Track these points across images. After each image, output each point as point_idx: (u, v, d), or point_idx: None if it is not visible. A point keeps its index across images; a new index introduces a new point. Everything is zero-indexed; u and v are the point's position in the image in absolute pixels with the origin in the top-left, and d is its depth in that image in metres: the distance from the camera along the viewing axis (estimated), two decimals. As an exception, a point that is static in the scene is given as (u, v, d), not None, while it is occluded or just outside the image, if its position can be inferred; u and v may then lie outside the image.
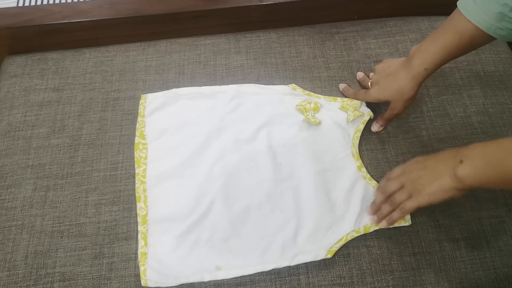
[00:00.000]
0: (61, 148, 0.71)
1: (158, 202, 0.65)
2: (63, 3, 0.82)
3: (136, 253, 0.62)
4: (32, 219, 0.65)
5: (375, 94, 0.68)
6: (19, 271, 0.61)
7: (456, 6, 0.59)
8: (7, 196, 0.67)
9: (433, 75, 0.64)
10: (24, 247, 0.63)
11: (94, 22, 0.80)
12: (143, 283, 0.59)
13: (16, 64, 0.80)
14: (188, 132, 0.71)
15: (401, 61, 0.66)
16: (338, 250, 0.61)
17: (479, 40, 0.59)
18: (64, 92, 0.77)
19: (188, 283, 0.60)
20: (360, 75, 0.77)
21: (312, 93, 0.75)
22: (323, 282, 0.60)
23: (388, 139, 0.71)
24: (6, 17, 0.79)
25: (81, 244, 0.63)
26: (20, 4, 0.83)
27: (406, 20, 0.84)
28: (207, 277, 0.60)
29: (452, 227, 0.64)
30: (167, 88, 0.76)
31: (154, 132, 0.71)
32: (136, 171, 0.68)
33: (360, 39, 0.82)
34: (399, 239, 0.63)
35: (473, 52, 0.64)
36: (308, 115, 0.71)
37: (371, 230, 0.62)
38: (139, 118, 0.73)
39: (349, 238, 0.62)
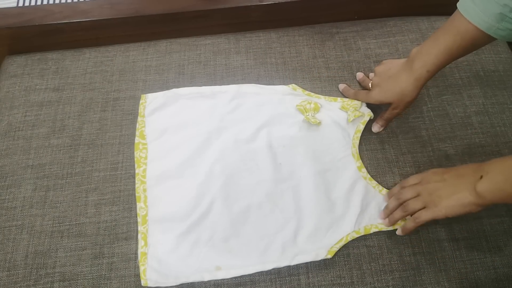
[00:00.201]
0: (61, 148, 0.71)
1: (158, 202, 0.65)
2: (63, 3, 0.82)
3: (136, 253, 0.62)
4: (32, 219, 0.65)
5: (377, 96, 0.68)
6: (19, 271, 0.61)
7: (456, 6, 0.59)
8: (7, 196, 0.67)
9: (433, 76, 0.64)
10: (24, 247, 0.63)
11: (94, 22, 0.80)
12: (143, 283, 0.59)
13: (16, 64, 0.80)
14: (188, 132, 0.71)
15: (402, 63, 0.66)
16: (338, 250, 0.61)
17: (480, 41, 0.59)
18: (64, 92, 0.77)
19: (188, 283, 0.60)
20: (360, 75, 0.77)
21: (312, 93, 0.75)
22: (323, 282, 0.60)
23: (388, 139, 0.71)
24: (6, 17, 0.79)
25: (81, 244, 0.63)
26: (20, 4, 0.83)
27: (406, 20, 0.84)
28: (207, 277, 0.60)
29: (452, 227, 0.64)
30: (167, 88, 0.76)
31: (154, 132, 0.71)
32: (136, 171, 0.68)
33: (360, 39, 0.82)
34: (399, 239, 0.63)
35: (473, 52, 0.64)
36: (308, 115, 0.71)
37: (372, 231, 0.63)
38: (139, 118, 0.73)
39: (349, 239, 0.62)
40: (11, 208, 0.66)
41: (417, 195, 0.59)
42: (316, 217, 0.63)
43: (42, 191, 0.67)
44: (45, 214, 0.65)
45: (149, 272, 0.60)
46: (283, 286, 0.60)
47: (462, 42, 0.59)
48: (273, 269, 0.60)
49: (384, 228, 0.63)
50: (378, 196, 0.65)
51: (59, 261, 0.62)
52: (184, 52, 0.81)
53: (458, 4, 0.59)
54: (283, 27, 0.84)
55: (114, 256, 0.62)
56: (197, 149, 0.69)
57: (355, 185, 0.66)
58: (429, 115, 0.73)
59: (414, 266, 0.61)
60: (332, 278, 0.61)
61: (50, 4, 0.83)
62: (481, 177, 0.52)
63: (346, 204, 0.64)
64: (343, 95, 0.75)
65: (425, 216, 0.57)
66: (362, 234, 0.62)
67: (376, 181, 0.67)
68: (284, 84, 0.77)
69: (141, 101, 0.74)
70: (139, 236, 0.63)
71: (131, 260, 0.62)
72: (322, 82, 0.77)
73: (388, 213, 0.62)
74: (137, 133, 0.71)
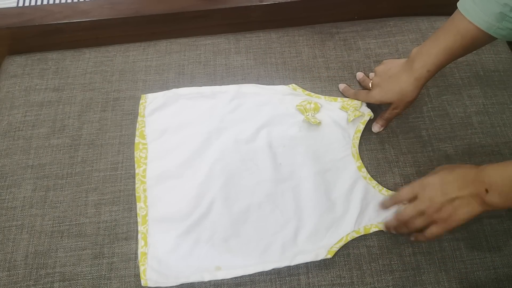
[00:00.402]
0: (61, 148, 0.71)
1: (158, 202, 0.65)
2: (63, 3, 0.82)
3: (136, 253, 0.62)
4: (32, 219, 0.65)
5: (377, 96, 0.68)
6: (19, 271, 0.61)
7: (456, 6, 0.59)
8: (7, 196, 0.67)
9: (433, 75, 0.64)
10: (24, 247, 0.63)
11: (94, 22, 0.80)
12: (143, 283, 0.59)
13: (16, 64, 0.80)
14: (188, 132, 0.71)
15: (402, 63, 0.66)
16: (338, 250, 0.61)
17: (480, 40, 0.59)
18: (64, 92, 0.77)
19: (188, 283, 0.60)
20: (360, 75, 0.77)
21: (312, 93, 0.75)
22: (323, 282, 0.60)
23: (388, 139, 0.71)
24: (6, 17, 0.79)
25: (81, 244, 0.63)
26: (20, 4, 0.83)
27: (406, 20, 0.84)
28: (207, 277, 0.60)
29: (452, 227, 0.64)
30: (167, 88, 0.76)
31: (154, 132, 0.71)
32: (136, 171, 0.68)
33: (360, 39, 0.82)
34: (399, 239, 0.63)
35: (473, 52, 0.64)
36: (308, 115, 0.71)
37: (371, 231, 0.63)
38: (139, 118, 0.73)
39: (349, 239, 0.62)
40: (11, 208, 0.66)
41: (420, 214, 0.57)
42: (316, 217, 0.63)
43: (42, 191, 0.67)
44: (45, 214, 0.65)
45: (149, 272, 0.60)
46: (283, 286, 0.60)
47: (462, 41, 0.59)
48: (273, 269, 0.60)
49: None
50: (378, 196, 0.65)
51: (59, 261, 0.62)
52: (184, 52, 0.81)
53: (458, 4, 0.59)
54: (283, 27, 0.84)
55: (114, 256, 0.62)
56: (197, 149, 0.69)
57: (355, 185, 0.66)
58: (429, 115, 0.73)
59: (414, 266, 0.61)
60: (332, 278, 0.61)
61: (50, 4, 0.83)
62: (487, 190, 0.51)
63: (346, 204, 0.64)
64: (343, 95, 0.75)
65: (436, 231, 0.56)
66: (362, 233, 0.62)
67: (376, 181, 0.67)
68: (284, 84, 0.77)
69: (141, 101, 0.74)
70: (139, 236, 0.63)
71: (131, 260, 0.62)
72: (322, 82, 0.77)
73: (388, 229, 0.62)
74: (137, 133, 0.71)
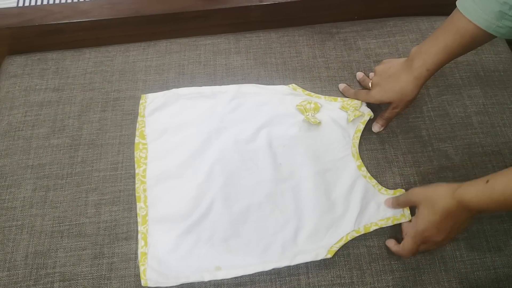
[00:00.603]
0: (61, 148, 0.71)
1: (158, 202, 0.65)
2: (63, 3, 0.82)
3: (136, 253, 0.62)
4: (32, 219, 0.65)
5: (377, 95, 0.68)
6: (19, 271, 0.61)
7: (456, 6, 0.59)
8: (7, 196, 0.67)
9: (433, 75, 0.64)
10: (24, 247, 0.63)
11: (94, 22, 0.80)
12: (143, 283, 0.59)
13: (16, 64, 0.80)
14: (188, 132, 0.71)
15: (402, 62, 0.66)
16: (338, 250, 0.61)
17: (479, 39, 0.59)
18: (64, 92, 0.77)
19: (188, 283, 0.60)
20: (359, 75, 0.77)
21: (312, 93, 0.75)
22: (323, 282, 0.60)
23: (388, 139, 0.71)
24: (6, 17, 0.79)
25: (81, 244, 0.63)
26: (20, 4, 0.83)
27: (406, 20, 0.84)
28: (207, 277, 0.60)
29: (452, 227, 0.64)
30: (167, 88, 0.76)
31: (154, 132, 0.71)
32: (136, 171, 0.68)
33: (360, 39, 0.82)
34: (399, 239, 0.63)
35: (473, 52, 0.64)
36: (308, 115, 0.71)
37: (371, 229, 0.62)
38: (139, 118, 0.73)
39: (349, 238, 0.62)
40: (11, 208, 0.66)
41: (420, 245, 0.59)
42: (316, 217, 0.63)
43: (42, 191, 0.67)
44: (45, 214, 0.65)
45: (149, 272, 0.60)
46: (283, 286, 0.60)
47: (462, 40, 0.59)
48: (273, 269, 0.60)
49: (383, 224, 0.62)
50: (377, 195, 0.65)
51: (59, 261, 0.62)
52: (184, 52, 0.81)
53: (457, 3, 0.59)
54: (283, 27, 0.84)
55: (114, 256, 0.62)
56: (197, 149, 0.69)
57: (355, 184, 0.66)
58: (429, 115, 0.73)
59: (414, 266, 0.61)
60: (332, 278, 0.61)
61: (50, 4, 0.83)
62: (470, 212, 0.53)
63: (346, 203, 0.64)
64: (343, 94, 0.75)
65: (436, 248, 0.62)
66: (362, 233, 0.62)
67: (376, 181, 0.67)
68: (284, 84, 0.77)
69: (141, 101, 0.74)
70: (139, 236, 0.63)
71: (131, 260, 0.62)
72: (322, 82, 0.77)
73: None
74: (137, 133, 0.71)
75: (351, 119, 0.70)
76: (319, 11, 0.85)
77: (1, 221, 0.65)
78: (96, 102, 0.76)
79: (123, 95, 0.76)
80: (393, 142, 0.71)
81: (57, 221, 0.65)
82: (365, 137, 0.71)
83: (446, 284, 0.60)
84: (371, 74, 0.75)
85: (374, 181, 0.66)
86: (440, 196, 0.55)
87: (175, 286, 0.59)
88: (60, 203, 0.66)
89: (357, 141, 0.70)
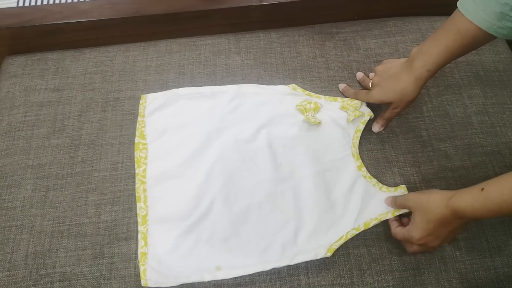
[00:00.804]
0: (61, 148, 0.71)
1: (158, 202, 0.65)
2: (63, 3, 0.82)
3: (136, 253, 0.62)
4: (32, 219, 0.65)
5: (377, 95, 0.68)
6: (19, 271, 0.61)
7: (456, 6, 0.59)
8: (7, 196, 0.67)
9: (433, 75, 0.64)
10: (24, 247, 0.63)
11: (94, 22, 0.80)
12: (143, 283, 0.59)
13: (16, 64, 0.80)
14: (188, 132, 0.71)
15: (402, 62, 0.66)
16: (338, 250, 0.61)
17: (480, 39, 0.59)
18: (64, 92, 0.77)
19: (188, 283, 0.60)
20: (359, 75, 0.77)
21: (312, 93, 0.75)
22: (323, 282, 0.60)
23: (388, 139, 0.71)
24: (6, 17, 0.79)
25: (81, 244, 0.63)
26: (20, 4, 0.83)
27: (406, 20, 0.84)
28: (207, 277, 0.60)
29: (452, 227, 0.64)
30: (167, 88, 0.76)
31: (154, 132, 0.71)
32: (136, 171, 0.68)
33: (360, 39, 0.82)
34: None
35: (473, 52, 0.64)
36: (308, 115, 0.71)
37: (371, 225, 0.62)
38: (139, 118, 0.73)
39: (349, 237, 0.62)
40: (11, 208, 0.66)
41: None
42: (316, 217, 0.63)
43: (42, 191, 0.67)
44: (45, 214, 0.65)
45: (149, 272, 0.60)
46: (283, 286, 0.60)
47: (462, 41, 0.59)
48: (273, 269, 0.60)
49: (383, 217, 0.62)
50: (378, 194, 0.65)
51: (59, 261, 0.62)
52: (184, 52, 0.81)
53: (458, 3, 0.59)
54: (283, 27, 0.84)
55: (114, 256, 0.62)
56: (197, 149, 0.69)
57: (355, 184, 0.66)
58: (429, 115, 0.73)
59: (414, 266, 0.61)
60: (332, 278, 0.61)
61: (50, 4, 0.83)
62: (463, 220, 0.53)
63: (346, 204, 0.64)
64: (343, 95, 0.75)
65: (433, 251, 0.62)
66: (362, 229, 0.62)
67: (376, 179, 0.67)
68: (284, 84, 0.77)
69: (141, 101, 0.74)
70: (139, 236, 0.63)
71: (131, 260, 0.62)
72: (322, 82, 0.77)
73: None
74: (137, 133, 0.71)
75: (351, 119, 0.70)
76: (319, 11, 0.85)
77: (1, 221, 0.65)
78: (96, 102, 0.76)
79: (123, 95, 0.76)
80: (393, 142, 0.71)
81: (57, 221, 0.65)
82: (365, 137, 0.71)
83: (446, 284, 0.60)
84: (371, 74, 0.75)
85: (374, 180, 0.66)
86: (435, 204, 0.54)
87: (175, 286, 0.59)
88: (60, 203, 0.66)
89: (357, 141, 0.70)
